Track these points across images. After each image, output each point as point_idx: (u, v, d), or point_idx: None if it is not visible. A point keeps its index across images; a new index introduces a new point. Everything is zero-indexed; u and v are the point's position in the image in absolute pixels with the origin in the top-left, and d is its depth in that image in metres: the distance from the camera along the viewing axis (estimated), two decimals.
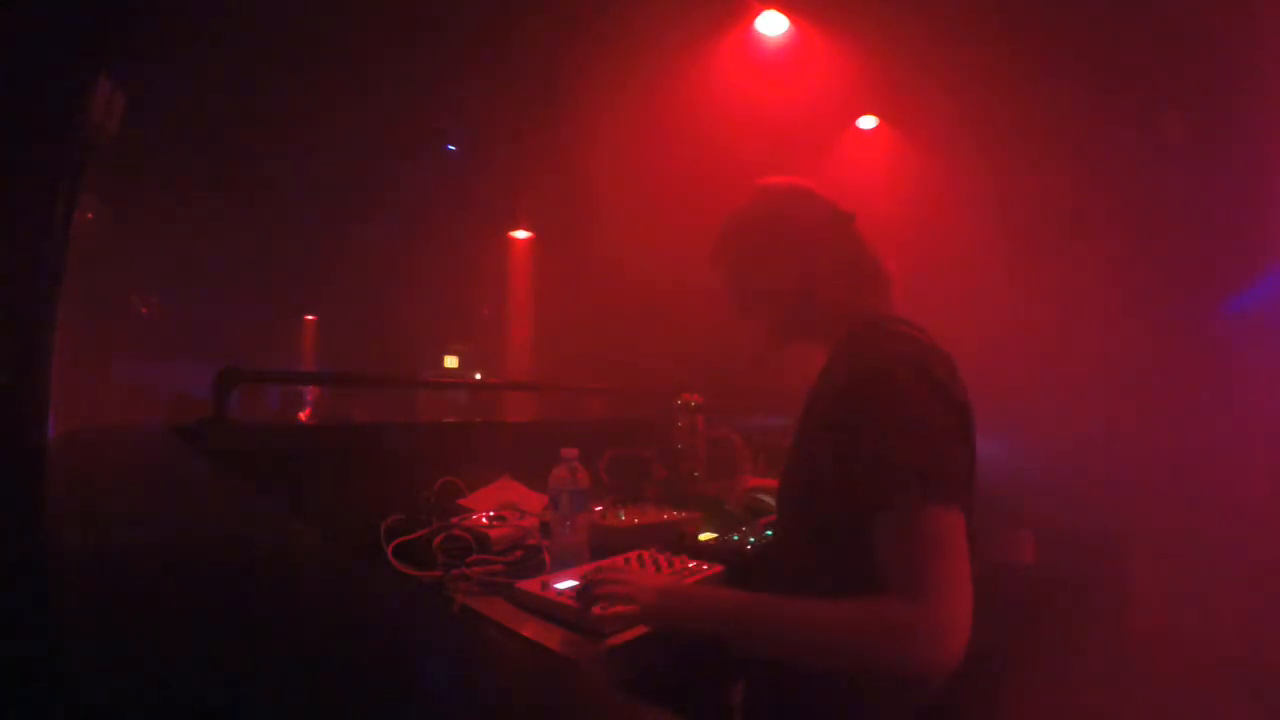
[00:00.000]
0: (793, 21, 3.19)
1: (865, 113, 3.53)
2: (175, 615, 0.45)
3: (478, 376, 9.01)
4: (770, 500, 1.46)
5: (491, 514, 1.30)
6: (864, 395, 0.82)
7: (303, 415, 6.08)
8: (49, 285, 0.90)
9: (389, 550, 1.10)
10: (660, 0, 3.04)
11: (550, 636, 0.87)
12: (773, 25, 3.22)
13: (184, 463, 1.20)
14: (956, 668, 0.68)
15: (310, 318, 10.70)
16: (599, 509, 1.40)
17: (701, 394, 1.91)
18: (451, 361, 9.58)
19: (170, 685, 0.34)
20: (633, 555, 1.14)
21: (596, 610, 0.86)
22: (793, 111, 3.29)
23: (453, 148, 5.36)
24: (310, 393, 6.45)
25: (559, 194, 4.68)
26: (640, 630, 0.90)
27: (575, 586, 0.94)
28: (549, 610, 0.93)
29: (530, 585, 0.98)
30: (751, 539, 1.32)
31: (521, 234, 6.43)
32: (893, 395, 0.79)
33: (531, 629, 0.89)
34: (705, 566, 1.11)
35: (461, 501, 1.46)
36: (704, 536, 1.34)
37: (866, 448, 0.77)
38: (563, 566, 1.10)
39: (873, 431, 0.78)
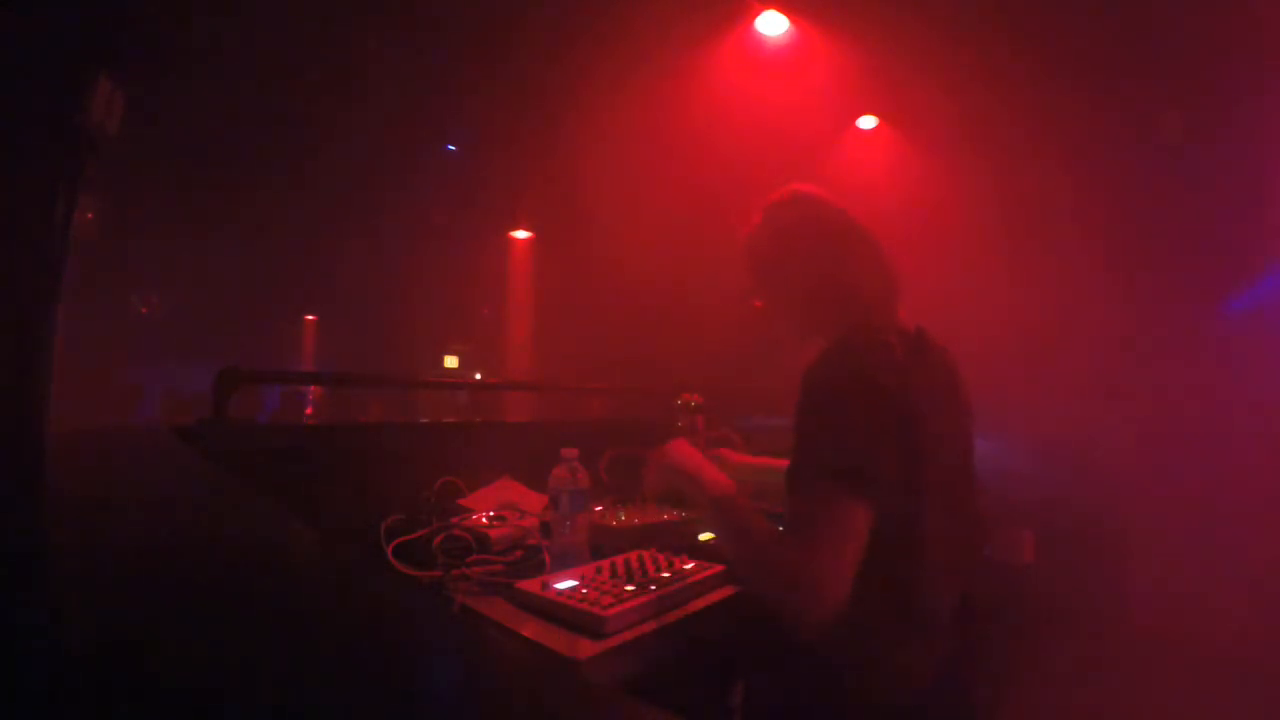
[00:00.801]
0: (793, 21, 3.19)
1: (865, 113, 3.53)
2: (175, 615, 0.45)
3: (478, 376, 9.01)
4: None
5: (491, 514, 1.30)
6: (801, 406, 0.93)
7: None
8: (49, 285, 0.90)
9: (389, 550, 1.10)
10: (660, 0, 3.03)
11: (550, 636, 0.87)
12: (773, 25, 3.21)
13: (184, 463, 1.20)
14: (824, 621, 0.79)
15: (310, 318, 10.71)
16: (599, 509, 1.40)
17: (701, 393, 1.91)
18: (451, 361, 9.58)
19: (170, 685, 0.34)
20: (633, 555, 1.14)
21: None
22: (793, 111, 3.29)
23: (453, 148, 5.36)
24: (311, 393, 6.45)
25: (559, 194, 4.69)
26: (641, 630, 0.90)
27: (575, 587, 0.94)
28: (549, 610, 0.93)
29: (530, 585, 0.98)
30: None
31: (521, 234, 6.44)
32: (820, 405, 0.91)
33: (531, 629, 0.89)
34: (705, 566, 1.11)
35: (461, 501, 1.46)
36: (704, 537, 1.34)
37: (797, 449, 0.90)
38: (563, 566, 1.10)
39: (801, 435, 0.90)
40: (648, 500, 1.37)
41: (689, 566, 1.10)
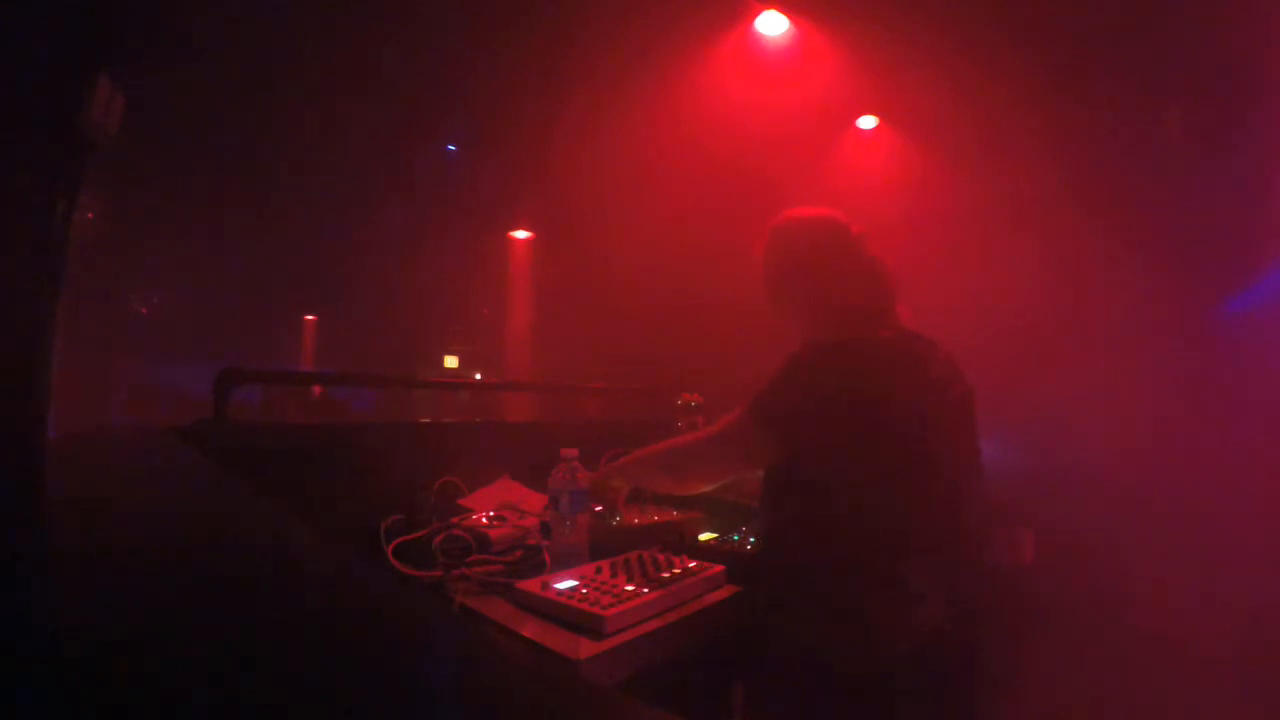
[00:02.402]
0: (793, 21, 3.19)
1: (865, 113, 3.53)
2: (175, 616, 0.45)
3: (478, 376, 9.01)
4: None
5: (491, 514, 1.30)
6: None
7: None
8: (49, 285, 0.90)
9: (389, 550, 1.10)
10: (660, 1, 3.03)
11: (550, 636, 0.87)
12: (773, 25, 3.21)
13: (184, 463, 1.20)
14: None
15: (310, 318, 10.70)
16: (599, 509, 1.40)
17: (701, 393, 1.91)
18: (451, 361, 9.57)
19: (170, 686, 0.34)
20: (633, 555, 1.14)
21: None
22: (793, 111, 3.28)
23: (453, 148, 5.36)
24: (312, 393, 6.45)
25: (559, 194, 4.68)
26: (642, 630, 0.90)
27: (575, 587, 0.94)
28: (549, 610, 0.93)
29: (530, 585, 0.98)
30: (752, 539, 1.32)
31: (521, 234, 6.43)
32: (782, 377, 1.10)
33: (531, 629, 0.89)
34: (705, 566, 1.11)
35: (461, 501, 1.46)
36: (704, 536, 1.34)
37: None
38: (563, 566, 1.10)
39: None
40: (622, 511, 1.39)
41: (689, 566, 1.10)
